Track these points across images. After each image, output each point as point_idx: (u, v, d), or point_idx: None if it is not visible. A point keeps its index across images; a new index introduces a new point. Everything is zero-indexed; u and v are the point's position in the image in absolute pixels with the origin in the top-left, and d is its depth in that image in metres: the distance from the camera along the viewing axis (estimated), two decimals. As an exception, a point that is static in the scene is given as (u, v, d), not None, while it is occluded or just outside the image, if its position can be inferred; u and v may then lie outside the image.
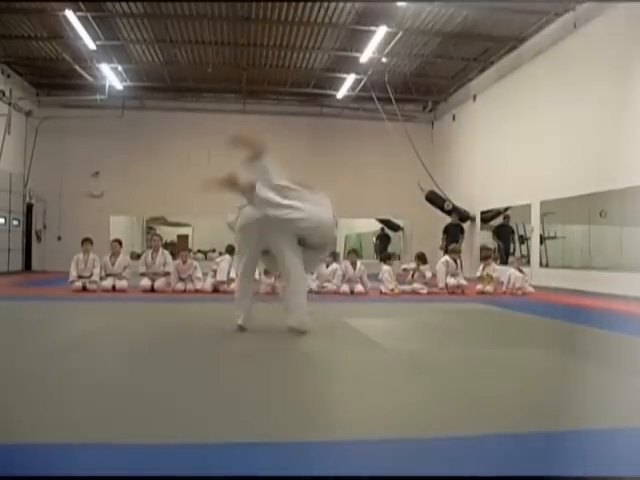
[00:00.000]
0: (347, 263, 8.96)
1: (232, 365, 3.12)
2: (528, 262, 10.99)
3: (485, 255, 9.71)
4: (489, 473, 1.60)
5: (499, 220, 12.80)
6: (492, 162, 12.70)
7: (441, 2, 9.95)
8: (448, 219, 13.84)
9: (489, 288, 8.94)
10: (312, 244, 4.24)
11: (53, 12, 9.97)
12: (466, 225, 13.71)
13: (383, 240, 18.28)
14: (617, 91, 8.62)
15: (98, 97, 13.58)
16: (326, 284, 8.68)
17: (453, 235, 12.95)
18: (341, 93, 14.22)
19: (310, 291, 7.58)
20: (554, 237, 10.83)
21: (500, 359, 3.39)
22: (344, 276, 8.76)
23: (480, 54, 12.35)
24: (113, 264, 8.65)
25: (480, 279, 9.20)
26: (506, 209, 12.27)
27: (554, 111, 10.26)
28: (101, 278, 8.51)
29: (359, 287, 8.69)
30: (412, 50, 12.31)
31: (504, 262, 11.69)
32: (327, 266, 8.80)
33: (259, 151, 4.07)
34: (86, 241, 8.67)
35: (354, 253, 9.53)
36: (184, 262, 8.73)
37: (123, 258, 8.83)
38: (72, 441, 1.80)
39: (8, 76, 13.17)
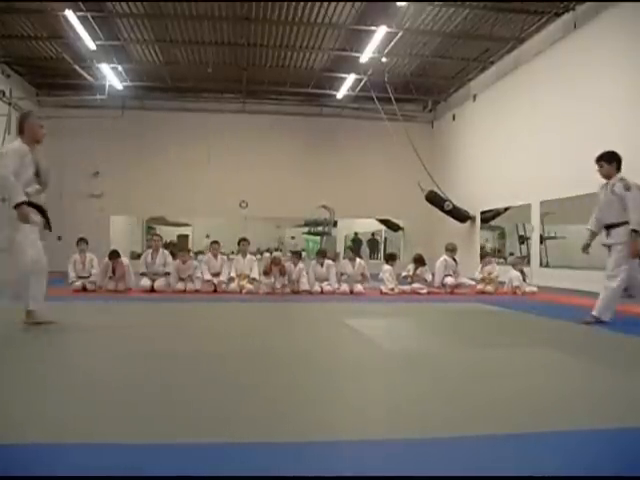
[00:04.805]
0: (346, 261, 9.06)
1: (231, 364, 3.12)
2: (528, 262, 10.99)
3: (485, 255, 9.72)
4: (489, 473, 1.60)
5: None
6: (492, 162, 12.69)
7: (441, 2, 9.96)
8: (449, 219, 13.77)
9: (489, 288, 8.95)
10: None
11: (53, 12, 9.96)
12: (466, 225, 13.70)
13: (356, 243, 20.00)
14: (617, 91, 8.62)
15: (98, 97, 13.57)
16: (324, 284, 8.70)
17: None
18: (341, 93, 14.21)
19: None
20: (554, 237, 10.82)
21: (501, 358, 3.39)
22: (342, 274, 8.83)
23: (480, 54, 12.35)
24: (114, 273, 8.53)
25: (480, 279, 9.21)
26: (506, 209, 11.79)
27: (554, 111, 10.25)
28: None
29: (358, 287, 8.71)
30: (412, 50, 12.31)
31: None
32: (322, 265, 8.80)
33: None
34: (81, 241, 8.66)
35: (350, 250, 10.24)
36: (184, 262, 8.73)
37: (124, 266, 8.67)
38: (72, 441, 1.80)
39: (8, 76, 13.16)
